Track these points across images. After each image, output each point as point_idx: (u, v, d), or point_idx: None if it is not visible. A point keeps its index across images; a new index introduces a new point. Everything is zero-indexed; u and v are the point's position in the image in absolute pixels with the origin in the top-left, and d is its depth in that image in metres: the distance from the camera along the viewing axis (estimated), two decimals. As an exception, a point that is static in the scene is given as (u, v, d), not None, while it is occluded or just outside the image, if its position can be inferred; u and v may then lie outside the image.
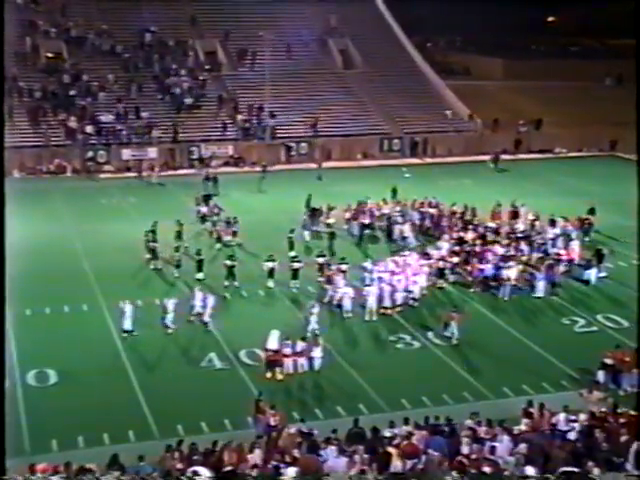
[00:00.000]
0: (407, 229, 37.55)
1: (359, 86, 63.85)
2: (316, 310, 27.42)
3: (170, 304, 27.86)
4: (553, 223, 37.29)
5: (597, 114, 61.88)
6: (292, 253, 34.67)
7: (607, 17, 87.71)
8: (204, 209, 40.54)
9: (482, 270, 32.11)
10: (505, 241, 35.00)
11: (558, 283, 32.29)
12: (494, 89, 72.20)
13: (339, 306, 29.66)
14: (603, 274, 33.70)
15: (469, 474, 16.10)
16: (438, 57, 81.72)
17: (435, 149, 59.75)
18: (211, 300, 28.51)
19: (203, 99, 59.67)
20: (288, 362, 24.95)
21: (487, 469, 16.43)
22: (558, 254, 34.12)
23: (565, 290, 32.50)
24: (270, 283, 31.84)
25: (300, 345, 25.15)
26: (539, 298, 31.36)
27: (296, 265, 32.24)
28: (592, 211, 39.23)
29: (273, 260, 32.17)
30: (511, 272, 31.48)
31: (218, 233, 37.48)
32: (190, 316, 28.36)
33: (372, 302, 29.28)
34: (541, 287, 31.49)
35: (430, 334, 28.08)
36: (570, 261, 34.05)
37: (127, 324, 27.22)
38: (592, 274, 33.18)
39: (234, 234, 37.06)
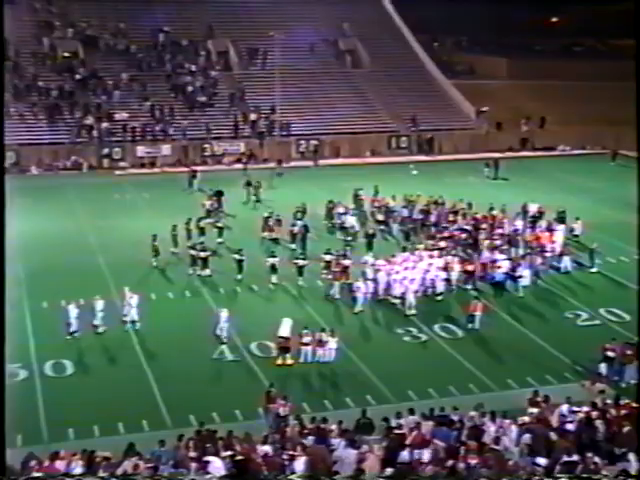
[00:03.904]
0: (353, 220, 39.07)
1: (367, 85, 64.47)
2: (224, 315, 26.96)
3: (99, 304, 27.62)
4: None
5: (600, 113, 62.16)
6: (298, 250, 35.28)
7: (609, 17, 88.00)
8: (208, 204, 41.09)
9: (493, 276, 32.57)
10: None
11: (538, 273, 33.18)
12: (499, 88, 72.56)
13: (354, 299, 30.23)
14: (594, 269, 34.56)
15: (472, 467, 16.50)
16: (444, 57, 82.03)
17: (442, 147, 60.29)
18: (135, 299, 28.08)
19: (215, 97, 60.51)
20: (307, 350, 25.69)
21: (474, 461, 16.66)
22: (536, 237, 35.46)
23: (568, 284, 33.22)
24: (273, 279, 32.32)
25: (319, 335, 25.84)
26: (525, 287, 32.11)
27: (301, 262, 32.76)
28: (563, 213, 39.16)
29: (275, 256, 32.77)
30: (525, 271, 32.19)
31: (216, 226, 37.74)
32: (123, 316, 28.20)
33: (411, 297, 29.90)
34: (527, 275, 32.32)
35: (436, 327, 28.73)
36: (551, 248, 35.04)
37: (75, 325, 27.05)
38: (564, 261, 34.35)
39: (219, 233, 37.37)
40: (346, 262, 32.01)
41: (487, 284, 32.50)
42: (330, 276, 31.98)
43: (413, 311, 29.75)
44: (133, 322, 28.02)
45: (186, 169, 51.67)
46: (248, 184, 45.74)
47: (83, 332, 27.32)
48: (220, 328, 26.55)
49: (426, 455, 17.37)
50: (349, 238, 36.98)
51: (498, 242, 34.90)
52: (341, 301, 30.86)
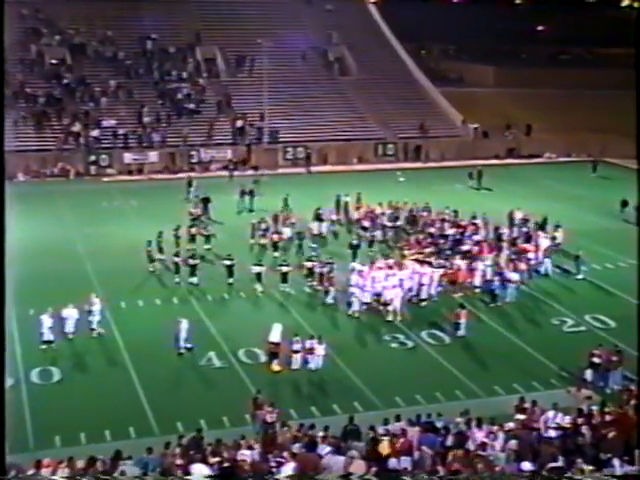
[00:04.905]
0: (324, 227, 39.58)
1: (355, 93, 64.68)
2: (185, 325, 26.79)
3: (67, 312, 27.41)
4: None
5: (585, 121, 62.58)
6: (281, 256, 35.32)
7: (596, 26, 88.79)
8: (194, 210, 41.05)
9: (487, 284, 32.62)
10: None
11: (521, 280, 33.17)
12: (485, 96, 72.95)
13: (348, 304, 30.37)
14: (580, 276, 34.63)
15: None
16: (432, 64, 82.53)
17: (429, 154, 60.50)
18: (97, 305, 27.99)
19: (202, 104, 60.60)
20: (297, 357, 25.73)
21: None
22: (522, 248, 35.48)
23: (554, 291, 33.36)
24: (259, 287, 32.29)
25: (309, 342, 25.84)
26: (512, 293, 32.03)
27: (285, 269, 32.74)
28: (544, 221, 39.15)
29: (261, 265, 32.76)
30: (514, 275, 32.28)
31: (200, 233, 37.65)
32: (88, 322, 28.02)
33: (397, 302, 30.02)
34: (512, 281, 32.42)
35: (423, 334, 28.80)
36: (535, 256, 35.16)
37: (48, 335, 26.69)
38: (545, 263, 34.73)
39: (207, 239, 37.35)
40: (325, 269, 32.04)
41: (471, 290, 32.56)
42: (315, 283, 32.22)
43: (399, 317, 29.85)
44: (93, 329, 27.88)
45: (174, 176, 51.86)
46: (243, 193, 45.28)
47: (69, 340, 27.27)
48: (183, 339, 26.51)
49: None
50: (314, 245, 36.98)
51: (466, 249, 34.99)
52: (330, 308, 30.92)
